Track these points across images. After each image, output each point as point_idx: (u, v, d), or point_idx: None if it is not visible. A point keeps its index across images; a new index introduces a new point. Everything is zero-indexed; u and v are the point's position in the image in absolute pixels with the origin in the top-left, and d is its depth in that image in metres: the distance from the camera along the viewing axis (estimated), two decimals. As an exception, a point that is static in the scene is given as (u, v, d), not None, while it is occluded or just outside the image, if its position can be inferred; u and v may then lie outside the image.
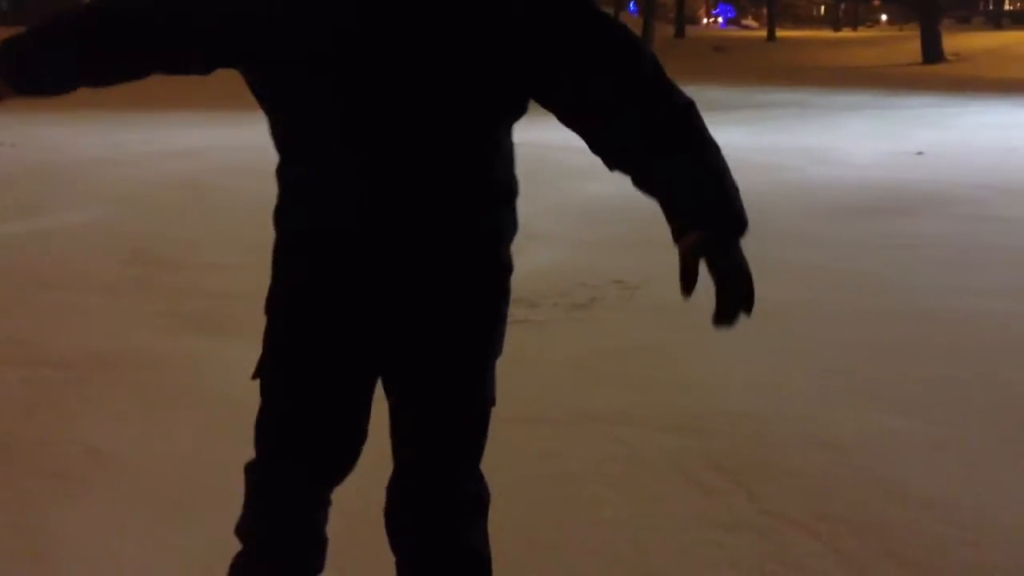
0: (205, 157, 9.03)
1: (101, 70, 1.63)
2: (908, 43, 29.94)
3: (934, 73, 23.15)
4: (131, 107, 12.32)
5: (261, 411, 1.76)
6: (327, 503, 1.85)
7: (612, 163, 1.64)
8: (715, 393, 3.66)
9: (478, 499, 1.83)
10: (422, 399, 1.73)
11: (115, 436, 3.23)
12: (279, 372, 1.72)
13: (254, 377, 1.74)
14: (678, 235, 1.57)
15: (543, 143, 7.94)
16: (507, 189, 1.69)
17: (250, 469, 1.79)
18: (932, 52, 26.77)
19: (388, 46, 1.52)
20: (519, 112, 1.64)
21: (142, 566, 2.49)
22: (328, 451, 1.77)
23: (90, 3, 1.61)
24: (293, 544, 1.81)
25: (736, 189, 1.59)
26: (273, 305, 1.73)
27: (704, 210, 1.56)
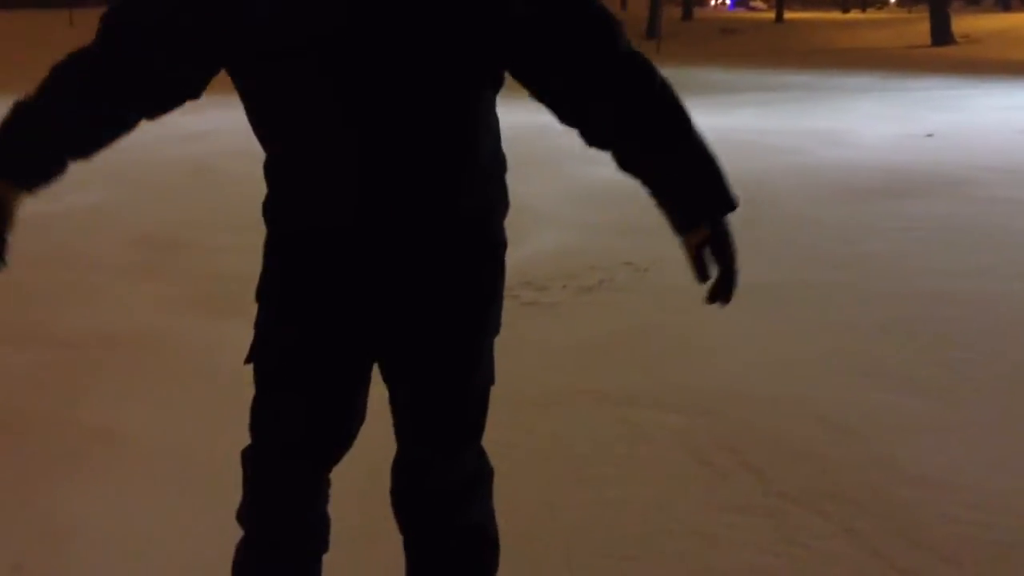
0: (211, 140, 9.01)
1: (105, 121, 1.72)
2: (917, 25, 29.73)
3: (943, 55, 22.99)
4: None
5: (255, 398, 1.75)
6: (326, 484, 1.84)
7: (591, 140, 1.64)
8: (724, 374, 3.66)
9: (481, 476, 1.84)
10: (421, 380, 1.73)
11: (124, 416, 3.24)
12: (272, 360, 1.71)
13: (247, 362, 1.74)
14: (681, 229, 1.61)
15: (549, 126, 7.93)
16: (494, 163, 1.69)
17: (246, 456, 1.79)
18: (941, 34, 26.58)
19: (373, 21, 1.50)
20: (496, 84, 1.63)
21: (151, 545, 2.50)
22: (322, 437, 1.77)
23: (87, 49, 1.63)
24: (293, 528, 1.81)
25: (723, 169, 1.61)
26: (264, 293, 1.72)
27: (708, 204, 1.60)
